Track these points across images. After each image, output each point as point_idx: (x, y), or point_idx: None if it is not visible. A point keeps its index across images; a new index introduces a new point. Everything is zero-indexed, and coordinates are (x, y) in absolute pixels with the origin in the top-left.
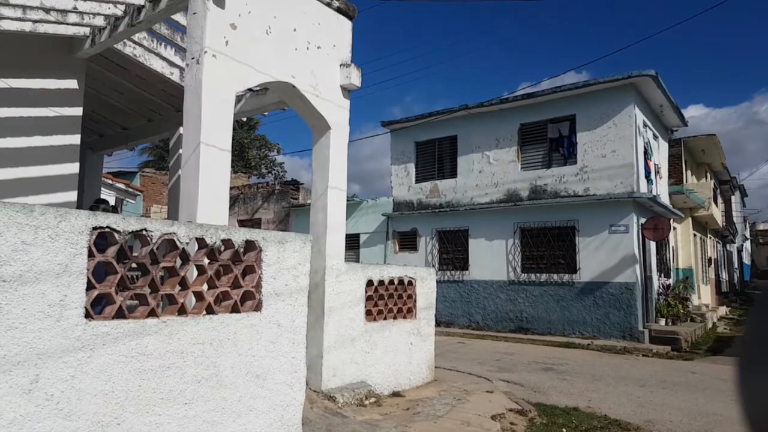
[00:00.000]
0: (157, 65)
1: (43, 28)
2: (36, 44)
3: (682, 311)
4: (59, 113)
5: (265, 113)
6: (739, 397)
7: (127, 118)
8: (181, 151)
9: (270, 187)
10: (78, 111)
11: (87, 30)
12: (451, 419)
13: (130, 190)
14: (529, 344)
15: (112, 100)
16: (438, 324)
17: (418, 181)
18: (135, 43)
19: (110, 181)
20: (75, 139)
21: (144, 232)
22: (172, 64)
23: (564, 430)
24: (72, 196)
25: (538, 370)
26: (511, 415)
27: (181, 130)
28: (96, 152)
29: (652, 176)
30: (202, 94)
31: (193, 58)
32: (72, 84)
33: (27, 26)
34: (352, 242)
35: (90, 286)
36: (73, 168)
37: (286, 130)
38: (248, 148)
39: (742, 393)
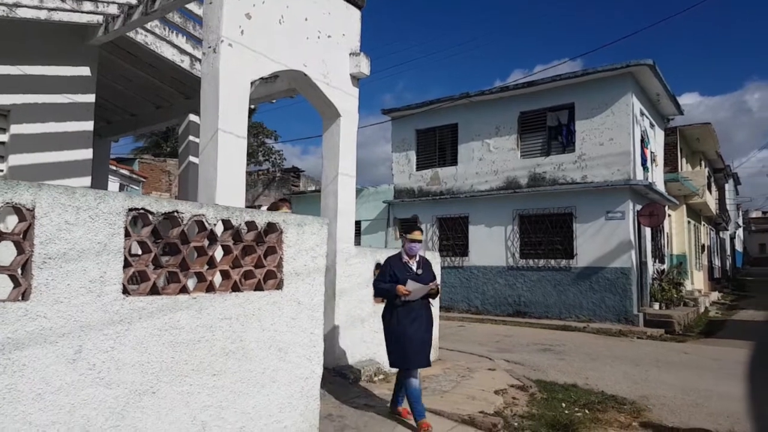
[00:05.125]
0: (168, 53)
1: (58, 16)
2: (50, 32)
3: (675, 296)
4: (72, 100)
5: (273, 100)
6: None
7: (136, 104)
8: (191, 137)
9: (270, 174)
10: (91, 98)
11: (100, 18)
12: (457, 394)
13: (134, 176)
14: (526, 327)
15: (121, 87)
16: (438, 309)
17: (419, 168)
18: (147, 30)
19: (114, 168)
20: (88, 125)
21: (176, 214)
22: (183, 51)
23: (563, 404)
24: (86, 181)
25: (537, 350)
26: (512, 390)
27: (191, 117)
28: (103, 138)
29: (648, 164)
30: (219, 83)
31: (209, 47)
32: (85, 71)
33: (42, 14)
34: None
35: (126, 264)
36: (87, 154)
37: (280, 118)
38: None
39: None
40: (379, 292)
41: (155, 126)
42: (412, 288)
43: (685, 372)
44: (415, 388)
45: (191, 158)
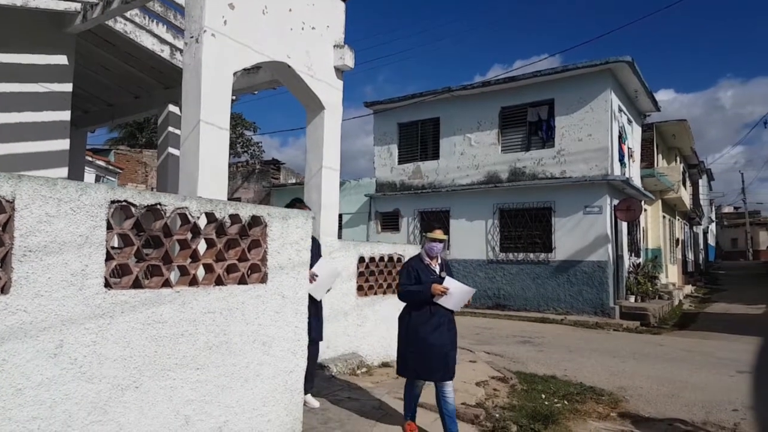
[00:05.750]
0: (148, 42)
1: (35, 3)
2: (27, 19)
3: (650, 289)
4: (49, 89)
5: (255, 92)
6: None
7: (114, 94)
8: (170, 128)
9: (250, 167)
10: (68, 87)
11: (78, 5)
12: None
13: (110, 167)
14: (506, 320)
15: (99, 76)
16: None
17: (400, 162)
18: (126, 19)
19: (90, 158)
20: (65, 115)
21: (158, 206)
22: (163, 41)
23: (543, 395)
24: (63, 172)
25: (516, 342)
26: (493, 382)
27: (170, 107)
28: (80, 128)
29: (626, 159)
30: (201, 73)
31: (192, 37)
32: (62, 60)
33: (19, 1)
34: None
35: (109, 257)
36: (64, 144)
37: (259, 110)
38: None
39: None
40: (408, 295)
41: (133, 116)
42: (452, 287)
43: (661, 363)
44: (415, 395)
45: (170, 150)
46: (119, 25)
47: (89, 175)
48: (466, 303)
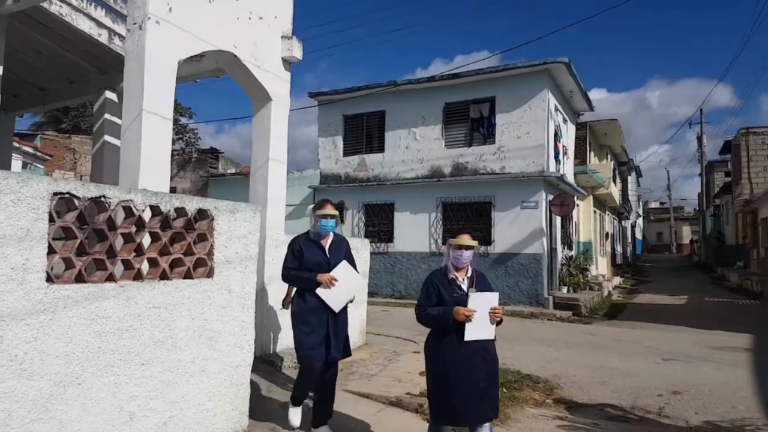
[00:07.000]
0: (85, 26)
1: None
2: None
3: (582, 280)
4: None
5: (198, 80)
6: None
7: (47, 78)
8: (107, 115)
9: (186, 155)
10: None
11: None
12: (384, 377)
13: (39, 154)
14: None
15: (30, 59)
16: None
17: (346, 154)
18: (62, 1)
19: (17, 144)
20: None
21: (102, 199)
22: (101, 25)
23: None
24: None
25: None
26: None
27: (107, 93)
28: (8, 113)
29: (560, 157)
30: (144, 61)
31: (135, 24)
32: None
33: None
34: None
35: (51, 251)
36: None
37: (192, 96)
38: None
39: None
40: (428, 322)
41: (67, 101)
42: (479, 307)
43: (593, 352)
44: None
45: (107, 138)
46: (54, 7)
47: (16, 162)
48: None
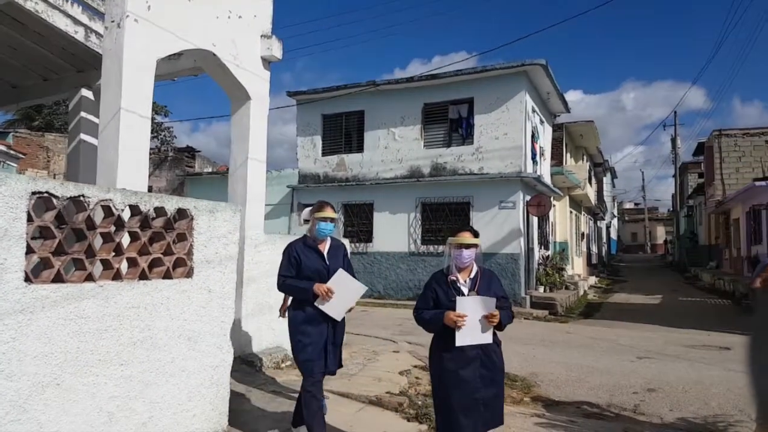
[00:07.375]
0: (61, 23)
1: None
2: None
3: (558, 280)
4: None
5: (175, 78)
6: None
7: (20, 75)
8: (83, 114)
9: (162, 154)
10: None
11: None
12: (364, 376)
13: (12, 152)
14: None
15: (3, 56)
16: None
17: (324, 154)
18: None
19: None
20: None
21: (81, 198)
22: (77, 22)
23: None
24: None
25: None
26: (416, 370)
27: (83, 91)
28: None
29: (537, 158)
30: (123, 60)
31: (113, 22)
32: None
33: None
34: None
35: (29, 250)
36: None
37: (168, 94)
38: None
39: None
40: (422, 325)
41: (41, 99)
42: (469, 311)
43: (569, 350)
44: None
45: (83, 136)
46: (30, 4)
47: None
48: (492, 319)
